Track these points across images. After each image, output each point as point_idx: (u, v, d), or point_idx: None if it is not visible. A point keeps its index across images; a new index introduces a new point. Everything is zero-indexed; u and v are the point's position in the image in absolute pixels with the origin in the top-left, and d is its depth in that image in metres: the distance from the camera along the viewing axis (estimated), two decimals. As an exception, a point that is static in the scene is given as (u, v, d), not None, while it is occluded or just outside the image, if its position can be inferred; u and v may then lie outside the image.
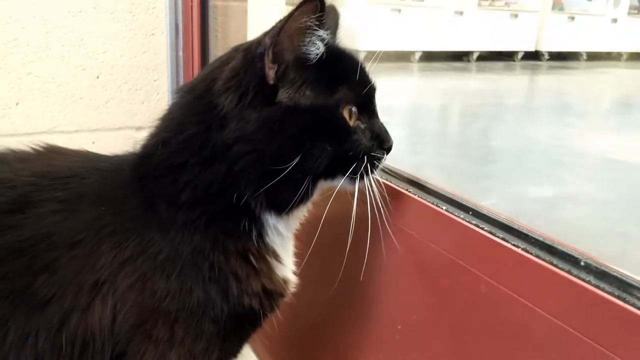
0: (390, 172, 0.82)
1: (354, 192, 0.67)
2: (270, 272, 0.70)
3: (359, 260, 0.73)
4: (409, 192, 0.75)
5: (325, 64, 0.65)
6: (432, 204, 0.71)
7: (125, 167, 0.71)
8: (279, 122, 0.63)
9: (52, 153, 0.75)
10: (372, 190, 0.68)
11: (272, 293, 0.70)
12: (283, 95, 0.64)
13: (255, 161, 0.64)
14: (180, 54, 1.62)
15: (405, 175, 0.80)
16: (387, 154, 0.70)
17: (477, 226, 0.64)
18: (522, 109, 5.05)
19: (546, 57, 8.01)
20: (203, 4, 1.56)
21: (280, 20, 0.62)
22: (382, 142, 0.70)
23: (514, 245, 0.60)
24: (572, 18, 8.09)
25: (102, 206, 0.67)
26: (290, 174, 0.62)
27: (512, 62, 7.74)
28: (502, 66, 7.44)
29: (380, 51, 0.76)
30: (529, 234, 0.61)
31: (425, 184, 0.76)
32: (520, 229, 0.62)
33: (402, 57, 6.89)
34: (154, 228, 0.66)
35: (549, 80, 7.06)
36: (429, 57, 7.03)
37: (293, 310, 0.75)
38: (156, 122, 0.72)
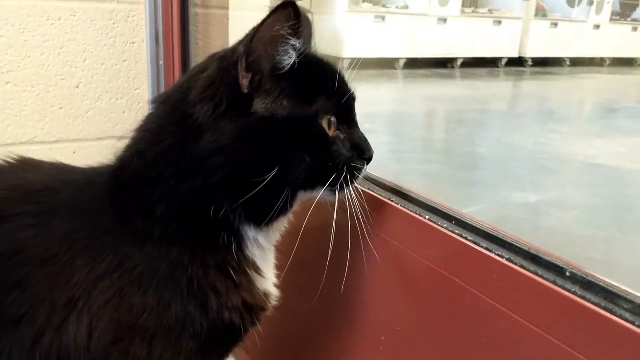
0: (372, 181, 0.81)
1: (335, 202, 0.66)
2: (251, 286, 0.68)
3: (341, 271, 0.72)
4: (392, 201, 0.74)
5: (302, 73, 0.64)
6: (415, 213, 0.70)
7: (100, 179, 0.69)
8: (255, 133, 0.62)
9: (25, 166, 0.73)
10: (353, 201, 0.67)
11: (253, 307, 0.68)
12: (259, 106, 0.62)
13: (232, 174, 0.62)
14: (161, 62, 1.60)
15: (388, 184, 0.79)
16: (367, 164, 0.69)
17: (461, 236, 0.63)
18: (507, 116, 5.10)
19: (530, 63, 8.10)
20: (183, 11, 1.54)
21: (254, 28, 0.60)
22: (362, 152, 0.69)
23: (498, 255, 0.59)
24: (555, 24, 8.20)
25: (76, 220, 0.64)
26: (269, 186, 0.61)
27: (496, 69, 7.81)
28: (486, 72, 7.50)
29: (360, 58, 0.76)
30: (514, 243, 0.60)
31: (408, 193, 0.75)
32: (504, 239, 0.61)
33: (386, 65, 6.92)
34: (130, 242, 0.64)
35: (532, 86, 7.13)
36: (414, 64, 7.07)
37: (274, 322, 0.73)
38: (132, 133, 0.70)
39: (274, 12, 0.59)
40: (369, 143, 0.70)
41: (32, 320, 0.60)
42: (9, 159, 0.72)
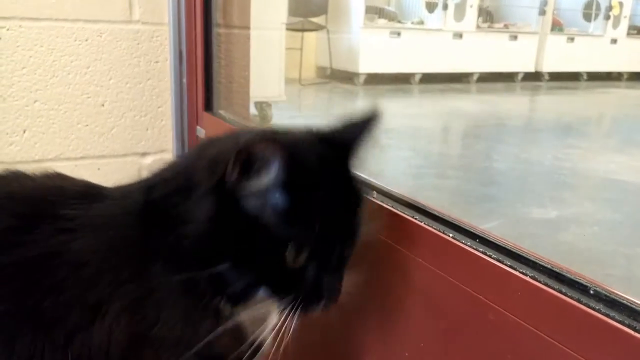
0: (393, 198, 0.82)
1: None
2: (239, 338, 0.69)
3: (365, 287, 0.73)
4: (415, 219, 0.75)
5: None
6: (439, 231, 0.71)
7: (132, 195, 0.72)
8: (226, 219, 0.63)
9: (60, 178, 0.77)
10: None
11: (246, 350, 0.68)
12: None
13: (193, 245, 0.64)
14: (184, 80, 1.64)
15: (410, 201, 0.80)
16: (323, 308, 0.65)
17: (485, 253, 0.64)
18: (524, 131, 5.07)
19: (546, 77, 8.07)
20: (206, 31, 1.58)
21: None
22: (318, 296, 0.65)
23: (521, 272, 0.60)
24: (572, 39, 8.17)
25: (108, 229, 0.67)
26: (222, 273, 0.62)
27: (512, 83, 7.79)
28: (502, 87, 7.49)
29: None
30: (537, 261, 0.61)
31: (431, 211, 0.76)
32: (527, 256, 0.62)
33: (402, 80, 6.95)
34: (149, 258, 0.66)
35: (549, 100, 7.10)
36: (429, 79, 7.09)
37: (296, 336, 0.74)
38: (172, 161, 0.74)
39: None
40: (337, 290, 0.66)
41: (66, 322, 0.63)
42: (44, 172, 0.76)
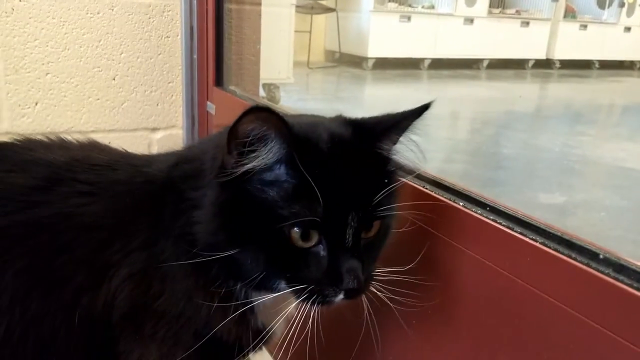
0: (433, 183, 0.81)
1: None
2: (247, 324, 0.69)
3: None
4: (426, 188, 0.75)
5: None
6: (450, 200, 0.71)
7: (155, 167, 0.73)
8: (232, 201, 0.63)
9: (92, 145, 0.78)
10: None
11: (246, 337, 0.69)
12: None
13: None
14: (195, 56, 1.64)
15: (456, 188, 0.78)
16: (344, 296, 0.61)
17: (495, 221, 0.64)
18: (533, 117, 5.04)
19: (557, 65, 7.99)
20: (218, 7, 1.58)
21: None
22: (335, 281, 0.60)
23: (532, 239, 0.60)
24: (585, 26, 8.07)
25: (126, 197, 0.68)
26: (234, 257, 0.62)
27: (522, 70, 7.72)
28: (512, 74, 7.43)
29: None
30: (547, 229, 0.61)
31: (439, 180, 0.76)
32: (537, 224, 0.62)
33: (411, 65, 6.90)
34: (162, 232, 0.67)
35: (560, 88, 7.04)
36: (439, 64, 7.04)
37: (338, 329, 0.73)
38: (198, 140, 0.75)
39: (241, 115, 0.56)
40: (352, 273, 0.60)
41: (74, 281, 0.64)
42: (80, 139, 0.78)
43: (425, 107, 0.67)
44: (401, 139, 0.68)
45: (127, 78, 1.59)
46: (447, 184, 0.75)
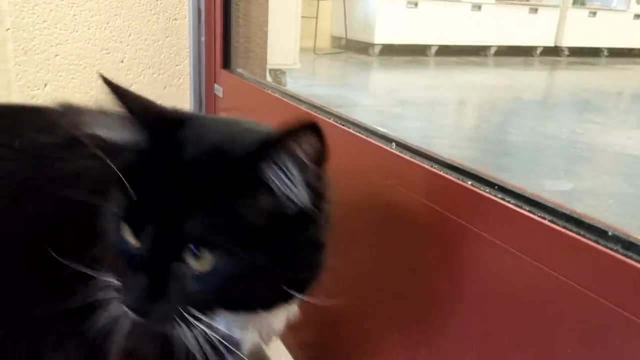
0: (412, 150, 0.82)
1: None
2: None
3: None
4: (434, 168, 0.76)
5: None
6: (458, 179, 0.71)
7: None
8: None
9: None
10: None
11: None
12: None
13: None
14: (202, 39, 1.63)
15: (423, 151, 0.80)
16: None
17: (503, 199, 0.64)
18: (541, 105, 5.01)
19: (566, 52, 7.92)
20: (226, -12, 1.57)
21: None
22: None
23: (540, 217, 0.60)
24: (594, 13, 7.98)
25: None
26: None
27: (530, 58, 7.66)
28: (520, 61, 7.37)
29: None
30: (556, 207, 0.61)
31: (447, 161, 0.76)
32: (546, 203, 0.62)
33: (417, 51, 6.86)
34: None
35: (568, 76, 6.98)
36: (446, 51, 6.99)
37: (351, 315, 0.73)
38: None
39: None
40: (136, 292, 0.54)
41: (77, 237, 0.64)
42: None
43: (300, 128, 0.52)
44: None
45: (135, 60, 1.59)
46: (456, 164, 0.76)
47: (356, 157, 0.89)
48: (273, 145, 0.53)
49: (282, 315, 0.68)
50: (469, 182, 0.70)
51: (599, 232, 0.56)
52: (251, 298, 0.57)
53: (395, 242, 0.82)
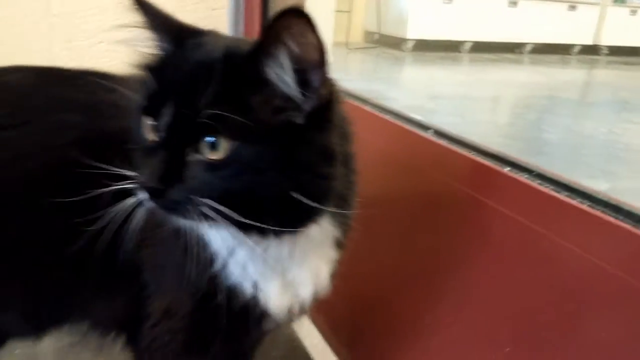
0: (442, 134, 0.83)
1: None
2: None
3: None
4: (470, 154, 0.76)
5: None
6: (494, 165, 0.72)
7: None
8: None
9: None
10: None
11: None
12: None
13: None
14: (241, 29, 1.66)
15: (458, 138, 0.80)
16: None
17: (541, 185, 0.65)
18: (578, 104, 4.89)
19: (605, 51, 7.71)
20: (265, -20, 1.59)
21: None
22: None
23: (579, 202, 0.60)
24: (634, 11, 7.74)
25: None
26: None
27: (567, 56, 7.48)
28: (557, 59, 7.20)
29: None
30: (594, 195, 0.61)
31: (485, 148, 0.77)
32: (585, 190, 0.63)
33: (451, 47, 6.78)
34: None
35: (607, 75, 6.80)
36: (480, 47, 6.89)
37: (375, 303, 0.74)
38: None
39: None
40: (149, 169, 0.59)
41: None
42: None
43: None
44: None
45: (175, 49, 1.63)
46: (494, 152, 0.76)
47: (396, 145, 0.90)
48: (266, 37, 0.57)
49: (306, 276, 0.69)
50: (507, 169, 0.70)
51: (637, 218, 0.56)
52: (263, 200, 0.57)
53: (429, 227, 0.83)
